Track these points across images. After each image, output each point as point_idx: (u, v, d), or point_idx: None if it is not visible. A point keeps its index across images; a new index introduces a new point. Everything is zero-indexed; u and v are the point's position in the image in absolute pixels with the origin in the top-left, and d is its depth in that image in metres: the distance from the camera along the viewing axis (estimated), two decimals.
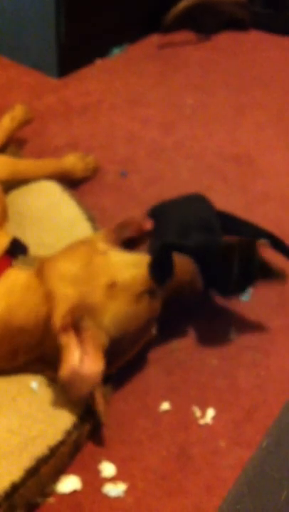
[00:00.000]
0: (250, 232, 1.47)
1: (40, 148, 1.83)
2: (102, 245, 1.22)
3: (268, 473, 0.69)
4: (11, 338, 1.15)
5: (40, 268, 1.20)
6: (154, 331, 1.24)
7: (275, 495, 0.66)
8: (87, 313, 1.12)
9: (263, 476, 0.69)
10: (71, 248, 1.23)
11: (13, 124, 1.75)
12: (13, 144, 1.78)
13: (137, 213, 1.63)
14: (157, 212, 1.44)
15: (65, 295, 1.14)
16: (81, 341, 1.10)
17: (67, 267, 1.17)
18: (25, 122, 1.81)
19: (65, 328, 1.11)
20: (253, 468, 0.71)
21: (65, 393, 1.12)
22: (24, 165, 1.61)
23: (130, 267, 1.18)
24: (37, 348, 1.16)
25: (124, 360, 1.20)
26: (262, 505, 0.66)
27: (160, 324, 1.25)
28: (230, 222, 1.47)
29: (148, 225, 1.28)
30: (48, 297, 1.15)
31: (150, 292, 1.17)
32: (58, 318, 1.12)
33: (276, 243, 1.49)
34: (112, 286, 1.14)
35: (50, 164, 1.66)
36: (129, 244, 1.26)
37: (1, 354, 1.17)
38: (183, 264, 1.24)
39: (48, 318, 1.14)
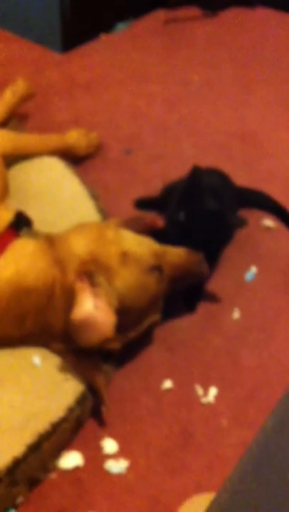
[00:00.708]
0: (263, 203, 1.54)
1: (42, 123, 1.80)
2: (113, 225, 1.25)
3: (274, 453, 0.69)
4: (20, 301, 1.15)
5: (51, 240, 1.21)
6: (157, 316, 1.24)
7: (281, 474, 0.66)
8: (101, 269, 1.14)
9: (268, 456, 0.69)
10: (82, 225, 1.25)
11: (14, 98, 1.72)
12: (16, 119, 1.76)
13: (140, 190, 1.62)
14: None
15: (78, 255, 1.16)
16: (94, 294, 1.11)
17: (80, 239, 1.19)
18: (28, 97, 1.78)
19: (80, 276, 1.12)
20: (257, 448, 0.70)
21: (76, 336, 1.11)
22: (26, 139, 1.59)
23: (140, 243, 1.21)
24: (44, 314, 1.16)
25: (127, 337, 1.20)
26: (266, 484, 0.65)
27: (165, 304, 1.25)
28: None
29: (160, 223, 1.32)
30: (59, 261, 1.16)
31: (158, 271, 1.19)
32: (71, 272, 1.13)
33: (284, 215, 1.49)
34: (124, 255, 1.16)
35: (52, 140, 1.64)
36: None
37: (10, 318, 1.16)
38: (188, 254, 1.25)
39: (56, 282, 1.14)
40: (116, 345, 1.18)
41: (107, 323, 1.09)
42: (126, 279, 1.15)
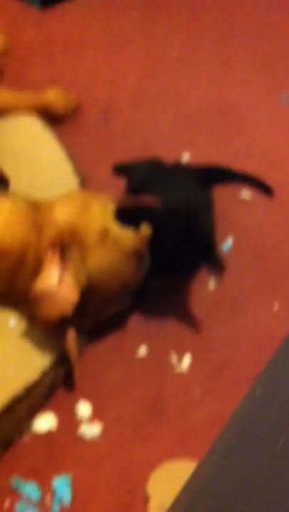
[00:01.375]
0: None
1: (19, 80, 1.74)
2: (103, 199, 1.20)
3: (263, 422, 0.66)
4: None
5: (36, 204, 1.17)
6: (127, 302, 1.21)
7: (270, 445, 0.63)
8: (77, 243, 1.10)
9: (256, 425, 0.66)
10: (70, 194, 1.22)
11: None
12: None
13: (117, 157, 1.60)
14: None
15: (57, 224, 1.12)
16: (63, 268, 1.08)
17: (64, 207, 1.16)
18: (4, 52, 1.72)
19: (53, 247, 1.09)
20: (244, 418, 0.68)
21: (33, 308, 1.09)
22: (1, 95, 1.54)
23: (125, 227, 1.16)
24: (15, 277, 1.12)
25: (94, 318, 1.18)
26: (255, 456, 0.63)
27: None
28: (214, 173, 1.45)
29: (157, 203, 1.22)
30: (37, 226, 1.12)
31: (138, 257, 1.15)
32: (46, 240, 1.10)
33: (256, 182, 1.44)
34: (104, 234, 1.12)
35: (29, 97, 1.59)
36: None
37: None
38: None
39: (30, 247, 1.11)
40: (84, 326, 1.16)
41: (68, 300, 1.07)
42: (100, 259, 1.12)
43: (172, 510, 0.69)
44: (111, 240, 1.13)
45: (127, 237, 1.14)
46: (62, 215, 1.14)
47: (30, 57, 1.84)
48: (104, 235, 1.13)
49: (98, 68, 1.88)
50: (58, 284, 1.06)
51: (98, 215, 1.15)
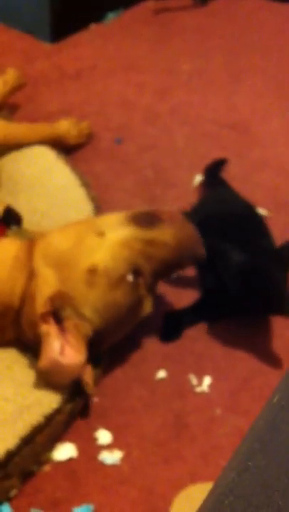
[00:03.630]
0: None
1: (32, 114, 1.78)
2: (104, 226, 1.14)
3: (281, 428, 0.67)
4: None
5: (32, 243, 1.16)
6: (148, 308, 1.17)
7: None
8: (67, 303, 1.09)
9: (275, 431, 0.68)
10: (67, 226, 1.19)
11: (5, 88, 1.70)
12: (6, 110, 1.74)
13: (131, 180, 1.61)
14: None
15: (47, 279, 1.10)
16: (62, 330, 1.08)
17: (56, 246, 1.13)
18: (18, 87, 1.76)
19: (44, 317, 1.08)
20: (264, 424, 0.69)
21: (46, 381, 1.10)
22: (17, 129, 1.57)
23: (118, 246, 1.11)
24: (17, 325, 1.13)
25: (115, 341, 1.18)
26: (275, 460, 0.64)
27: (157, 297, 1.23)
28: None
29: (177, 219, 1.17)
30: (32, 276, 1.12)
31: (134, 272, 1.11)
32: (39, 305, 1.09)
33: None
34: (92, 272, 1.09)
35: (43, 129, 1.62)
36: None
37: None
38: (185, 230, 1.16)
39: (30, 298, 1.11)
40: (103, 349, 1.16)
41: (74, 365, 1.07)
42: (94, 303, 1.09)
43: None
44: (100, 276, 1.09)
45: (118, 260, 1.10)
46: (54, 249, 1.12)
47: (42, 90, 1.88)
48: (93, 273, 1.09)
49: (110, 91, 1.91)
50: (61, 352, 1.06)
51: (89, 247, 1.11)
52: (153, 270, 1.13)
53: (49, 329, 1.07)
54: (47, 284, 1.10)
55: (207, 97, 1.91)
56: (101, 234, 1.12)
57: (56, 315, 1.09)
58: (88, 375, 1.13)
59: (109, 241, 1.11)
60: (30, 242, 1.17)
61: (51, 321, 1.08)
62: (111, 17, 2.25)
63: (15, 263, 1.14)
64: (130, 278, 1.10)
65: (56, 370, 1.07)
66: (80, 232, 1.14)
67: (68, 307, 1.08)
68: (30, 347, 1.14)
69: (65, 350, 1.07)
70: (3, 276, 1.12)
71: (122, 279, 1.09)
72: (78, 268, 1.10)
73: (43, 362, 1.07)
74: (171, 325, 1.29)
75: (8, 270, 1.13)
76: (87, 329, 1.09)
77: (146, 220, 1.15)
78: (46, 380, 1.10)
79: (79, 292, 1.09)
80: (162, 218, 1.15)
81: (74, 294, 1.09)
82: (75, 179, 1.52)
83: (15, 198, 1.40)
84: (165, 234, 1.13)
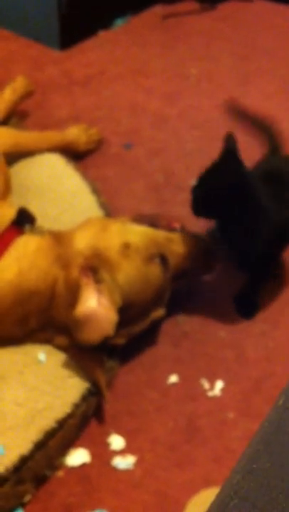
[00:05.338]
0: None
1: (42, 120, 1.80)
2: (119, 220, 1.26)
3: (286, 430, 0.68)
4: (23, 302, 1.15)
5: (58, 236, 1.21)
6: (162, 310, 1.23)
7: None
8: (104, 264, 1.13)
9: (280, 433, 0.68)
10: (87, 221, 1.25)
11: (14, 95, 1.72)
12: (16, 117, 1.75)
13: (141, 185, 1.61)
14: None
15: (81, 250, 1.16)
16: (98, 291, 1.11)
17: (83, 234, 1.20)
18: (27, 94, 1.78)
19: (84, 271, 1.12)
20: (269, 426, 0.69)
21: (76, 333, 1.10)
22: (27, 137, 1.58)
23: (143, 232, 1.21)
24: (47, 312, 1.16)
25: (131, 332, 1.19)
26: (280, 462, 0.65)
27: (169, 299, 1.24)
28: None
29: (177, 224, 1.30)
30: (62, 258, 1.16)
31: (162, 259, 1.18)
32: (75, 268, 1.13)
33: None
34: (125, 246, 1.16)
35: (53, 136, 1.63)
36: None
37: (14, 319, 1.16)
38: (196, 242, 1.25)
39: (58, 280, 1.14)
40: (120, 341, 1.17)
41: (109, 320, 1.09)
42: (128, 272, 1.15)
43: None
44: (133, 250, 1.16)
45: (146, 241, 1.19)
46: (83, 241, 1.18)
47: (52, 97, 1.89)
48: (126, 247, 1.16)
49: (119, 97, 1.92)
50: (97, 306, 1.09)
51: (116, 231, 1.19)
52: (174, 265, 1.21)
53: (88, 281, 1.11)
54: (81, 253, 1.16)
55: (216, 101, 1.91)
56: (120, 224, 1.22)
57: (93, 275, 1.12)
58: (102, 380, 1.14)
59: (136, 228, 1.22)
60: (52, 235, 1.22)
61: (90, 275, 1.12)
62: (119, 23, 2.26)
63: (38, 252, 1.18)
64: (158, 261, 1.18)
65: (92, 319, 1.09)
66: (100, 222, 1.23)
67: (104, 269, 1.12)
68: (63, 328, 1.15)
69: (101, 304, 1.10)
70: (25, 266, 1.16)
71: (152, 257, 1.17)
72: (111, 243, 1.16)
73: (81, 309, 1.08)
74: (244, 304, 1.36)
75: (31, 260, 1.17)
76: (118, 297, 1.12)
77: (148, 219, 1.28)
78: (78, 333, 1.10)
79: (115, 260, 1.15)
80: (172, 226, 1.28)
81: (109, 261, 1.14)
82: (85, 186, 1.53)
83: (26, 204, 1.40)
84: (181, 238, 1.25)
